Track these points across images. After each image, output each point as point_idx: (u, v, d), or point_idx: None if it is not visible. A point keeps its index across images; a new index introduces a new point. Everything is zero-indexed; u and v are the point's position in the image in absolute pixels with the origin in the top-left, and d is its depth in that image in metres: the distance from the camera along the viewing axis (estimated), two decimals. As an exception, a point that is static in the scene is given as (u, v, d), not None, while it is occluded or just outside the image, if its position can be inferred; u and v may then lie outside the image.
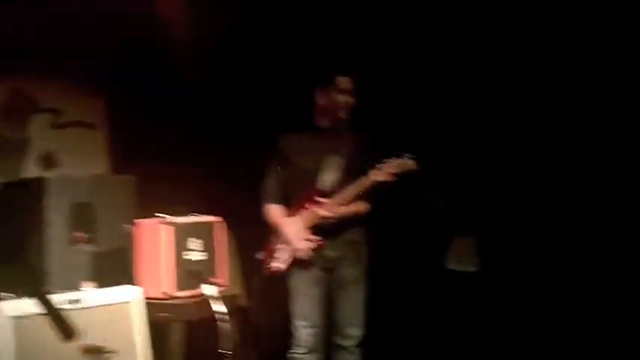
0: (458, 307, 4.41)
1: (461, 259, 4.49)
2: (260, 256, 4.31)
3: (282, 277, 4.23)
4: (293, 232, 4.13)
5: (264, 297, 4.35)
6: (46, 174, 4.61)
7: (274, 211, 4.26)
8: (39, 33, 4.73)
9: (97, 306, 3.54)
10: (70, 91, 5.09)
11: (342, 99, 4.17)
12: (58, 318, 1.55)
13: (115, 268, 4.06)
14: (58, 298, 3.39)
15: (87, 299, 3.53)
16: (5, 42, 4.58)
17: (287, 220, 4.20)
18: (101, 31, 4.98)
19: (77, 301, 3.45)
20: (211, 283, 4.16)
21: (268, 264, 4.25)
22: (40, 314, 1.60)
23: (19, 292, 3.13)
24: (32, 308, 3.39)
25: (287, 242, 4.16)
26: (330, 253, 4.15)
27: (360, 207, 4.16)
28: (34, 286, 1.52)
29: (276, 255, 4.23)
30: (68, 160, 4.95)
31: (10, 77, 4.83)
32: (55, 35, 4.84)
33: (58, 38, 4.84)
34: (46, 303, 1.55)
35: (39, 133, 4.92)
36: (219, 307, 4.03)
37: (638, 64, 4.14)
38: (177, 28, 5.07)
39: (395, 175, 4.02)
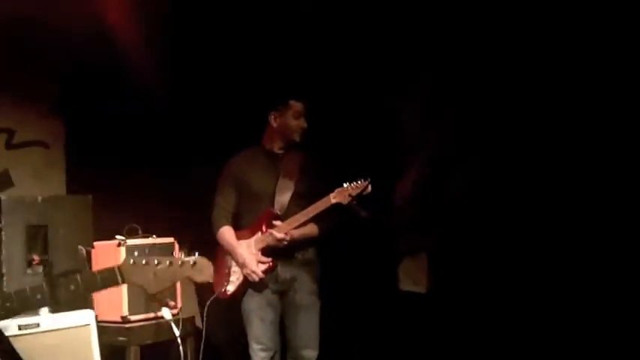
0: (411, 328, 4.49)
1: (412, 280, 4.58)
2: (211, 279, 4.31)
3: (235, 299, 4.25)
4: (246, 254, 4.15)
5: (219, 318, 4.35)
6: (-1, 195, 4.58)
7: (226, 233, 4.26)
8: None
9: (53, 330, 3.53)
10: (24, 111, 5.09)
11: (297, 123, 4.24)
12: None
13: (71, 291, 4.04)
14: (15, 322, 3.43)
15: (44, 323, 3.52)
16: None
17: (240, 242, 4.21)
18: (55, 49, 4.99)
19: (35, 325, 3.44)
20: (167, 306, 4.22)
21: (220, 287, 4.24)
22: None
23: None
24: None
25: (240, 264, 4.17)
26: (284, 274, 4.19)
27: (314, 229, 4.21)
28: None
29: (229, 277, 4.24)
30: (22, 180, 4.94)
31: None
32: (9, 54, 4.84)
33: (12, 57, 4.85)
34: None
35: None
36: (175, 330, 4.10)
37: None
38: (129, 48, 5.09)
39: (353, 197, 4.10)
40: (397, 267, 4.72)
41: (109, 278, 2.42)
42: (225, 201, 4.31)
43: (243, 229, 4.27)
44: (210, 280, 2.59)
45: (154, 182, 5.15)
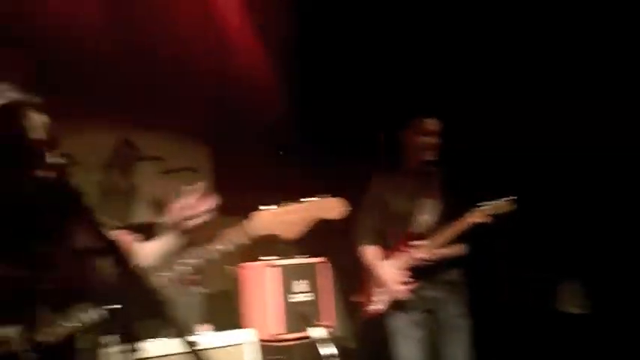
0: (567, 349, 4.33)
1: (570, 302, 4.41)
2: (357, 298, 4.35)
3: (381, 319, 4.22)
4: (389, 274, 4.14)
5: (368, 339, 4.35)
6: (157, 219, 4.80)
7: (370, 253, 4.26)
8: (146, 86, 5.02)
9: (213, 348, 3.65)
10: (174, 139, 5.35)
11: (428, 140, 4.19)
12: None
13: (223, 310, 4.18)
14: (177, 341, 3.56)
15: (204, 341, 3.64)
16: (114, 94, 4.86)
17: (383, 262, 4.20)
18: (202, 81, 5.23)
19: (194, 342, 3.56)
20: (319, 325, 4.25)
21: (366, 306, 4.25)
22: (180, 354, 1.68)
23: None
24: (172, 348, 3.60)
25: (383, 284, 4.16)
26: (429, 293, 4.13)
27: (456, 249, 4.13)
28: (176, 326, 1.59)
29: (374, 297, 4.24)
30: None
31: (118, 128, 5.15)
32: (160, 87, 5.11)
33: (162, 90, 5.12)
34: (189, 343, 1.64)
35: (148, 179, 5.20)
36: (328, 350, 4.11)
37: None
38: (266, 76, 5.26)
39: (492, 217, 4.02)
40: (556, 287, 4.57)
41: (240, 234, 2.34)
42: (369, 220, 4.31)
43: (385, 248, 4.25)
44: (340, 217, 2.44)
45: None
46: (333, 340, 4.21)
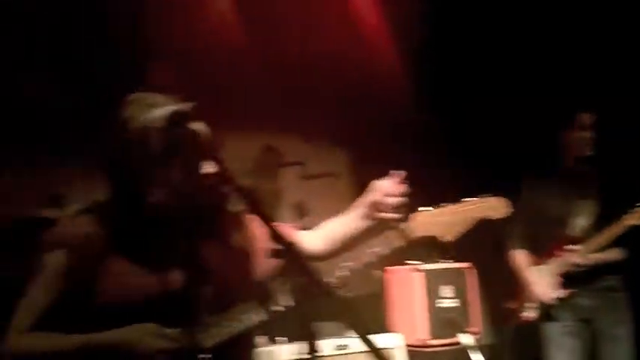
0: None
1: None
2: (510, 304, 4.23)
3: (533, 327, 4.09)
4: (540, 280, 3.98)
5: (520, 348, 4.20)
6: (298, 222, 4.89)
7: (520, 258, 4.13)
8: (286, 91, 5.11)
9: (362, 352, 3.62)
10: (314, 144, 5.42)
11: (584, 135, 4.01)
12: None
13: (369, 314, 4.18)
14: (326, 344, 3.58)
15: (353, 345, 3.64)
16: (256, 101, 4.99)
17: (535, 268, 4.05)
18: (340, 84, 5.27)
19: (344, 346, 3.57)
20: (467, 332, 4.16)
21: (519, 313, 4.12)
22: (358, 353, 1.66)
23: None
24: (304, 353, 3.64)
25: (535, 291, 4.01)
26: (584, 301, 3.93)
27: (614, 253, 3.92)
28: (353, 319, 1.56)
29: (526, 304, 4.10)
30: (316, 208, 5.24)
31: (261, 134, 5.27)
32: (299, 91, 5.20)
33: (302, 94, 5.20)
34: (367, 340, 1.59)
35: (290, 184, 5.28)
36: (476, 357, 4.02)
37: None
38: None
39: None
40: None
41: (405, 232, 2.21)
42: (520, 224, 4.16)
43: (538, 253, 4.10)
44: (503, 217, 2.30)
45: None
46: (480, 347, 4.13)
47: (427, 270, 4.30)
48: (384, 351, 1.59)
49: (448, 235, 2.26)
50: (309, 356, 1.63)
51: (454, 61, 5.22)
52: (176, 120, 2.03)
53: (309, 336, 1.60)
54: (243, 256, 2.26)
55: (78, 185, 4.72)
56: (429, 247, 4.42)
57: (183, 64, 4.38)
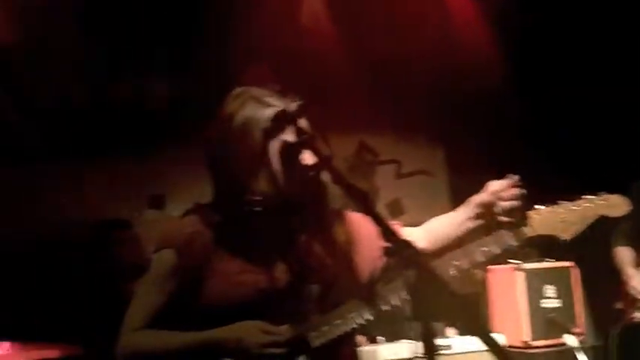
0: None
1: None
2: (619, 305, 4.06)
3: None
4: (637, 277, 3.85)
5: (624, 349, 4.04)
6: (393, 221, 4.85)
7: (620, 253, 3.98)
8: (377, 91, 5.10)
9: (465, 352, 3.58)
10: (409, 142, 5.38)
11: None
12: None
13: (470, 314, 4.09)
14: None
15: (456, 345, 3.59)
16: (351, 99, 4.99)
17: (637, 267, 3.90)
18: (433, 81, 5.21)
19: (448, 347, 3.52)
20: (572, 333, 4.03)
21: (630, 314, 3.95)
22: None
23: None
24: (403, 353, 3.61)
25: (631, 288, 3.87)
26: None
27: None
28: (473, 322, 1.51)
29: (637, 302, 3.93)
30: (411, 207, 5.20)
31: (355, 133, 5.27)
32: (394, 89, 5.17)
33: (396, 92, 5.18)
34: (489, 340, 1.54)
35: (385, 182, 5.26)
36: (580, 358, 3.89)
37: None
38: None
39: None
40: None
41: (521, 231, 2.12)
42: (627, 221, 4.00)
43: None
44: (623, 214, 2.19)
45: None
46: (584, 349, 3.99)
47: (530, 269, 4.19)
48: (505, 350, 1.53)
49: (565, 234, 2.17)
50: (425, 356, 1.60)
51: (555, 53, 5.05)
52: (282, 118, 2.04)
53: (426, 335, 1.56)
54: (348, 253, 2.22)
55: (177, 187, 4.85)
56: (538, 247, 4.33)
57: (277, 64, 4.43)
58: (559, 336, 4.05)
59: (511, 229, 2.14)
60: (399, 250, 1.60)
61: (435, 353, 1.53)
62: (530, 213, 2.17)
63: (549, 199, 2.24)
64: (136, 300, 2.22)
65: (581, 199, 2.19)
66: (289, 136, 2.07)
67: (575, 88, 4.92)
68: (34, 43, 4.47)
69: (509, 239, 2.13)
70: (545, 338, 4.11)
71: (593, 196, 2.20)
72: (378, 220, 1.74)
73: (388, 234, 1.69)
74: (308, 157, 2.06)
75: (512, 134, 5.10)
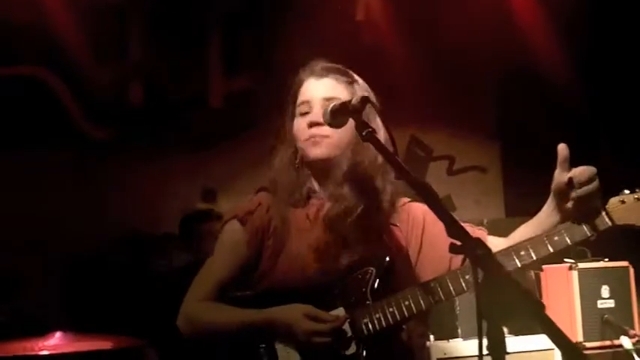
0: None
1: None
2: None
3: None
4: None
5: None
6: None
7: None
8: (434, 82, 5.06)
9: (520, 352, 3.54)
10: (462, 137, 5.34)
11: None
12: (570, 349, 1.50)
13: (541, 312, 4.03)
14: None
15: (510, 345, 3.54)
16: (403, 93, 4.96)
17: None
18: (490, 76, 5.16)
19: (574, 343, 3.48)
20: (628, 335, 3.95)
21: None
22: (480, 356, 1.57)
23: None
24: (455, 351, 3.59)
25: None
26: None
27: None
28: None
29: None
30: (464, 205, 5.16)
31: (407, 128, 5.25)
32: (448, 83, 5.14)
33: (451, 86, 5.14)
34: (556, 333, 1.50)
35: (437, 179, 5.22)
36: (637, 360, 3.82)
37: None
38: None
39: None
40: None
41: (600, 221, 1.97)
42: None
43: None
44: None
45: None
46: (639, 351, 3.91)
47: (584, 268, 4.11)
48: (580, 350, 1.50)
49: None
50: (490, 353, 1.58)
51: (619, 51, 4.95)
52: (342, 110, 2.04)
53: (493, 336, 1.54)
54: (403, 244, 2.23)
55: (229, 181, 4.90)
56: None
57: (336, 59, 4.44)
58: (614, 338, 3.98)
59: (589, 218, 1.99)
60: (468, 248, 1.59)
61: (504, 354, 1.52)
62: (613, 200, 2.02)
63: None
64: (202, 270, 2.28)
65: None
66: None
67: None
68: (96, 39, 4.58)
69: (584, 230, 2.00)
70: (600, 340, 4.03)
71: None
72: (445, 217, 1.73)
73: (455, 230, 1.67)
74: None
75: (571, 130, 5.02)
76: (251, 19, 4.72)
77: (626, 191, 2.03)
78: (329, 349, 2.06)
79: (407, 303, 2.05)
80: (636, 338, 4.03)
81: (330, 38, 4.49)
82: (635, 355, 3.81)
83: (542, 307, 1.50)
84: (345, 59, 2.28)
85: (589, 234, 2.00)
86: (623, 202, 2.01)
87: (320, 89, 2.23)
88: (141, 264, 4.61)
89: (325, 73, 2.26)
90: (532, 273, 4.29)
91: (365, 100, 2.01)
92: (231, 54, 4.68)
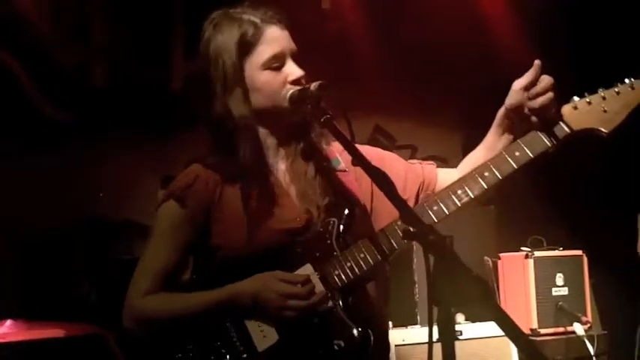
0: None
1: None
2: None
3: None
4: None
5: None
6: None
7: None
8: (399, 72, 5.08)
9: (478, 338, 3.60)
10: (425, 127, 5.38)
11: None
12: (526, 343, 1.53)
13: (491, 299, 4.10)
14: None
15: (466, 331, 3.61)
16: (370, 82, 4.98)
17: None
18: (454, 68, 5.19)
19: (459, 332, 3.54)
20: (580, 322, 4.05)
21: None
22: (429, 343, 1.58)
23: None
24: (414, 338, 3.63)
25: None
26: None
27: None
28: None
29: None
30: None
31: (371, 116, 5.27)
32: (411, 72, 5.16)
33: (415, 75, 5.16)
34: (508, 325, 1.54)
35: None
36: (589, 347, 3.92)
37: None
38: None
39: None
40: None
41: (558, 129, 1.96)
42: None
43: None
44: None
45: (554, 194, 5.03)
46: (591, 338, 4.01)
47: (539, 257, 4.20)
48: (526, 336, 1.53)
49: (607, 127, 1.98)
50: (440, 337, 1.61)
51: (587, 45, 5.01)
52: (302, 97, 2.04)
53: (444, 322, 1.57)
54: (356, 189, 2.14)
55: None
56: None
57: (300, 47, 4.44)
58: (568, 324, 4.08)
59: (545, 128, 1.97)
60: (420, 234, 1.62)
61: (454, 339, 1.55)
62: (566, 107, 2.01)
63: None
64: (141, 262, 2.11)
65: (618, 85, 2.00)
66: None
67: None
68: (57, 20, 4.50)
69: (544, 140, 1.98)
70: (554, 326, 4.14)
71: (630, 81, 1.99)
72: (399, 204, 1.76)
73: (408, 216, 1.70)
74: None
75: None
76: (215, 2, 4.68)
77: (576, 98, 2.03)
78: (307, 313, 1.95)
79: (378, 245, 2.00)
80: (588, 325, 4.15)
81: (295, 26, 4.45)
82: (587, 341, 3.92)
83: (492, 293, 1.53)
84: (311, 48, 2.26)
85: (549, 144, 1.98)
86: (575, 107, 2.00)
87: (289, 42, 2.13)
88: (100, 250, 4.55)
89: (282, 21, 2.14)
90: (490, 261, 4.37)
91: (324, 86, 2.02)
92: (194, 37, 4.64)
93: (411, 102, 5.21)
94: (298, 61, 2.12)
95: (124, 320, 2.08)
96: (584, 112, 1.99)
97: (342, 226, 2.04)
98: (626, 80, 2.00)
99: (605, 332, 4.21)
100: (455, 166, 2.23)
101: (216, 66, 2.08)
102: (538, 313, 4.11)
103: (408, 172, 2.25)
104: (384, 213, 2.09)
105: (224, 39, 2.09)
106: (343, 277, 2.00)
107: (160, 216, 2.11)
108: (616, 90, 1.99)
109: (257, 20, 2.10)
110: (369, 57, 4.94)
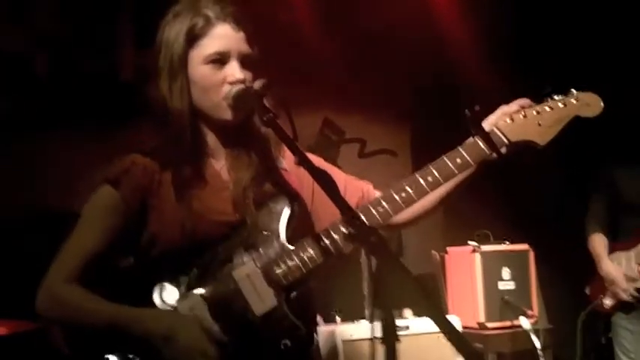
0: None
1: None
2: (588, 290, 4.13)
3: (607, 317, 4.02)
4: (611, 268, 3.91)
5: (590, 337, 4.12)
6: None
7: (595, 241, 4.03)
8: (349, 66, 5.06)
9: (422, 333, 3.62)
10: (375, 121, 5.38)
11: None
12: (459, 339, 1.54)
13: (427, 296, 4.13)
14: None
15: (413, 326, 3.63)
16: (317, 75, 4.95)
17: (613, 255, 3.97)
18: (407, 61, 5.19)
19: (406, 327, 3.55)
20: (526, 315, 4.11)
21: (598, 300, 4.01)
22: (373, 339, 1.58)
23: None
24: (362, 333, 3.63)
25: (609, 279, 3.93)
26: None
27: None
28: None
29: (608, 289, 3.96)
30: (374, 186, 5.20)
31: (320, 110, 5.25)
32: (362, 67, 5.15)
33: (365, 70, 5.16)
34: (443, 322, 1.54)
35: (347, 161, 5.25)
36: (535, 340, 3.97)
37: None
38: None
39: None
40: None
41: (496, 138, 2.00)
42: (598, 207, 4.08)
43: (619, 240, 4.01)
44: (598, 113, 2.03)
45: (501, 188, 5.08)
46: (537, 331, 4.07)
47: (486, 251, 4.25)
48: (460, 333, 1.54)
49: (542, 139, 2.04)
50: (383, 337, 1.60)
51: (533, 37, 5.07)
52: (245, 96, 2.00)
53: (386, 321, 1.57)
54: (297, 188, 2.12)
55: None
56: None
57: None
58: (514, 318, 4.13)
59: (485, 137, 2.01)
60: (363, 236, 1.60)
61: (395, 339, 1.54)
62: (499, 120, 2.07)
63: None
64: (68, 244, 2.04)
65: (552, 99, 2.07)
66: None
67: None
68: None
69: (483, 149, 2.01)
70: (500, 320, 4.19)
71: (563, 96, 2.07)
72: (342, 205, 1.74)
73: (350, 218, 1.69)
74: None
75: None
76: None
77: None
78: None
79: (324, 245, 1.96)
80: (534, 319, 4.22)
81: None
82: (532, 335, 3.97)
83: (429, 293, 1.54)
84: (261, 38, 2.20)
85: (488, 152, 2.02)
86: (512, 119, 2.06)
87: (240, 44, 2.05)
88: (52, 243, 4.41)
89: (241, 22, 2.06)
90: (437, 255, 4.41)
91: (267, 85, 1.99)
92: (143, 26, 4.53)
93: (361, 96, 5.19)
94: (250, 67, 2.06)
95: (38, 299, 2.00)
96: (520, 125, 2.06)
97: (282, 222, 2.02)
98: (556, 97, 2.08)
99: (552, 327, 4.29)
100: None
101: (165, 54, 2.06)
102: (485, 307, 4.17)
103: (348, 184, 2.28)
104: (326, 215, 2.07)
105: (177, 28, 2.06)
106: (289, 275, 1.97)
107: (92, 199, 2.06)
108: (549, 106, 2.07)
109: (211, 15, 2.05)
110: (319, 50, 4.90)
